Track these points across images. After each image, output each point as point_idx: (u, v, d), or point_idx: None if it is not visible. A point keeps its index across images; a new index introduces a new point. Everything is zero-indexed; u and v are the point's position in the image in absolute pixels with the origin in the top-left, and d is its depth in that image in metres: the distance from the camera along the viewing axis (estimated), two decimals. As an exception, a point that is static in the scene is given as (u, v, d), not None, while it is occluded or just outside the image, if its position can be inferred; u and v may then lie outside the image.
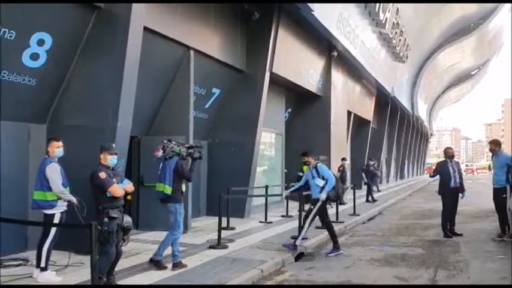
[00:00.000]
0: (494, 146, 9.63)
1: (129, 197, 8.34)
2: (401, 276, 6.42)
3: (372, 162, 19.31)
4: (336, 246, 8.09)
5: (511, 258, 7.40)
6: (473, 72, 52.75)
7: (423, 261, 7.45)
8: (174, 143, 6.68)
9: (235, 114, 12.16)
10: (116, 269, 5.66)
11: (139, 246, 8.10)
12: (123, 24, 7.45)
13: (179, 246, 6.65)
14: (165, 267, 6.41)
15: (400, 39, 23.04)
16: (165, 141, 6.66)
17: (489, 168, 62.32)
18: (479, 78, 57.91)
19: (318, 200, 7.98)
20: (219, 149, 12.20)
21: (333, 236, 8.17)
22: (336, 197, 8.21)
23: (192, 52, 10.10)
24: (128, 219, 5.54)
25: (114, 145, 5.95)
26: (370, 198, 17.54)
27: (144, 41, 7.94)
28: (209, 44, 10.78)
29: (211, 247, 8.07)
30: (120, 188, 5.56)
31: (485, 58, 48.60)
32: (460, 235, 9.75)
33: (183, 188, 6.65)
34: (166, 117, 10.14)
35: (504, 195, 9.05)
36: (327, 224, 8.25)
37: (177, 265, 6.46)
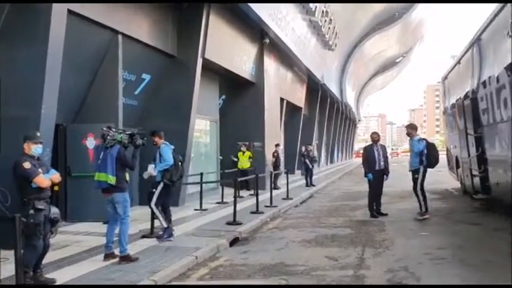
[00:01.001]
0: (411, 129, 10.15)
1: (56, 188, 8.00)
2: (332, 256, 6.69)
3: (310, 148, 20.02)
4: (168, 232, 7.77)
5: (433, 235, 7.96)
6: (397, 60, 55.28)
7: (351, 240, 7.80)
8: (114, 130, 6.41)
9: (168, 101, 11.92)
10: (44, 261, 5.44)
11: (69, 238, 7.84)
12: (45, 7, 7.05)
13: (114, 237, 6.46)
14: (137, 259, 6.27)
15: (329, 27, 23.61)
16: (104, 129, 6.37)
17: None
18: (403, 65, 60.80)
19: (158, 183, 7.82)
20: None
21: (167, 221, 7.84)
22: (170, 181, 7.79)
23: (120, 36, 9.76)
24: (55, 211, 5.34)
25: (38, 134, 5.66)
26: (309, 182, 18.09)
27: (69, 25, 7.57)
28: (138, 28, 10.46)
29: (144, 236, 7.95)
30: (46, 178, 5.31)
31: (409, 46, 51.06)
32: (386, 215, 10.28)
33: (127, 176, 6.47)
34: (94, 104, 9.75)
35: (416, 176, 9.73)
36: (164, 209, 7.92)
37: (109, 256, 6.31)
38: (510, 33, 7.64)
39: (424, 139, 10.11)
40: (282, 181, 16.49)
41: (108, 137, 6.28)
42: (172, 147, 7.96)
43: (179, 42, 12.07)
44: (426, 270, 5.75)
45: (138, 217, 9.70)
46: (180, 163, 7.92)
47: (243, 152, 16.04)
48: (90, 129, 9.46)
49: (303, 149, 19.76)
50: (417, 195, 9.87)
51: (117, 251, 6.33)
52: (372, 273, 5.71)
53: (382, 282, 5.29)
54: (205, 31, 12.20)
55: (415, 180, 9.84)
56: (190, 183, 12.35)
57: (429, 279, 5.33)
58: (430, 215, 9.71)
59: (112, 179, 6.19)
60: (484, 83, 9.83)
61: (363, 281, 5.38)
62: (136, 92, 11.50)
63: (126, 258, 6.18)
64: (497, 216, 9.54)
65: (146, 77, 11.59)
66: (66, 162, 9.53)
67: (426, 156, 9.62)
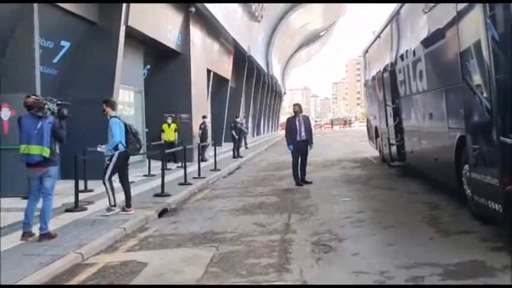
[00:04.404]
0: (106, 106, 7.76)
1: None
2: (260, 223, 6.88)
3: (238, 119, 20.23)
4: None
5: (353, 200, 8.44)
6: (321, 33, 56.59)
7: (278, 207, 8.06)
8: (45, 99, 6.01)
9: (90, 69, 11.38)
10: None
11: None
12: None
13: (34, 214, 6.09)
14: (56, 235, 5.96)
15: (255, -2, 23.59)
16: (38, 97, 5.97)
17: (332, 123, 68.63)
18: (326, 39, 62.44)
19: None
20: (74, 107, 11.40)
21: None
22: None
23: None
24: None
25: None
26: (236, 154, 18.25)
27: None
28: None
29: (67, 210, 7.70)
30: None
31: (332, 20, 52.37)
32: (310, 183, 10.67)
33: (57, 149, 6.16)
34: (9, 73, 9.11)
35: (108, 163, 7.66)
36: None
37: (26, 235, 5.94)
38: (426, 10, 8.09)
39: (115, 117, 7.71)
40: (209, 153, 16.51)
41: (46, 107, 5.93)
42: None
43: (101, 9, 11.51)
44: (347, 232, 6.10)
45: (60, 191, 9.32)
46: None
47: (169, 124, 15.81)
48: (4, 100, 8.88)
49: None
50: (105, 186, 7.61)
51: (35, 228, 6.00)
52: (298, 236, 5.96)
53: (308, 245, 5.55)
54: (129, -3, 11.72)
55: (106, 167, 7.67)
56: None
57: (350, 240, 5.67)
58: (119, 209, 7.65)
59: (47, 151, 5.85)
60: (401, 56, 10.37)
61: (290, 244, 5.61)
62: (55, 60, 10.87)
63: (46, 236, 5.90)
64: (411, 181, 10.25)
65: (65, 44, 10.97)
66: (-22, 135, 8.90)
67: (125, 139, 7.65)
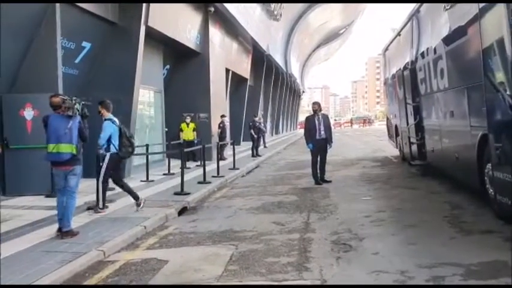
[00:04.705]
0: (101, 108, 7.73)
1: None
2: (279, 221, 6.88)
3: (256, 118, 20.26)
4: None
5: (374, 199, 8.37)
6: (340, 32, 56.21)
7: (297, 206, 8.05)
8: (71, 99, 6.13)
9: (110, 70, 11.52)
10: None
11: (10, 212, 7.56)
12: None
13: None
14: (78, 232, 6.09)
15: (274, -3, 23.56)
16: (67, 98, 6.11)
17: (351, 122, 68.04)
18: (345, 37, 62.03)
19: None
20: (94, 107, 11.58)
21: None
22: None
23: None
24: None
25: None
26: (255, 153, 18.30)
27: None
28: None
29: (89, 208, 7.80)
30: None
31: (351, 19, 51.97)
32: (330, 182, 10.63)
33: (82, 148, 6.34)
34: (32, 73, 9.28)
35: (101, 164, 7.76)
36: None
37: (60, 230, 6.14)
38: (447, 7, 7.98)
39: (110, 119, 7.67)
40: (228, 152, 16.57)
41: (75, 107, 6.07)
42: None
43: (120, 8, 11.63)
44: (367, 231, 6.05)
45: (81, 190, 9.40)
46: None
47: (187, 124, 15.90)
48: (28, 100, 9.06)
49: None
50: (97, 188, 7.74)
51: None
52: (317, 235, 5.95)
53: (327, 244, 5.53)
54: (148, -3, 11.82)
55: (99, 170, 7.73)
56: (135, 154, 12.13)
57: (370, 239, 5.63)
58: (105, 211, 7.65)
59: (76, 150, 6.02)
60: (422, 54, 10.24)
61: (309, 243, 5.60)
62: (76, 61, 11.03)
63: (69, 233, 6.03)
64: (431, 180, 10.12)
65: (86, 45, 11.12)
66: (2, 134, 9.08)
67: (119, 142, 7.65)
